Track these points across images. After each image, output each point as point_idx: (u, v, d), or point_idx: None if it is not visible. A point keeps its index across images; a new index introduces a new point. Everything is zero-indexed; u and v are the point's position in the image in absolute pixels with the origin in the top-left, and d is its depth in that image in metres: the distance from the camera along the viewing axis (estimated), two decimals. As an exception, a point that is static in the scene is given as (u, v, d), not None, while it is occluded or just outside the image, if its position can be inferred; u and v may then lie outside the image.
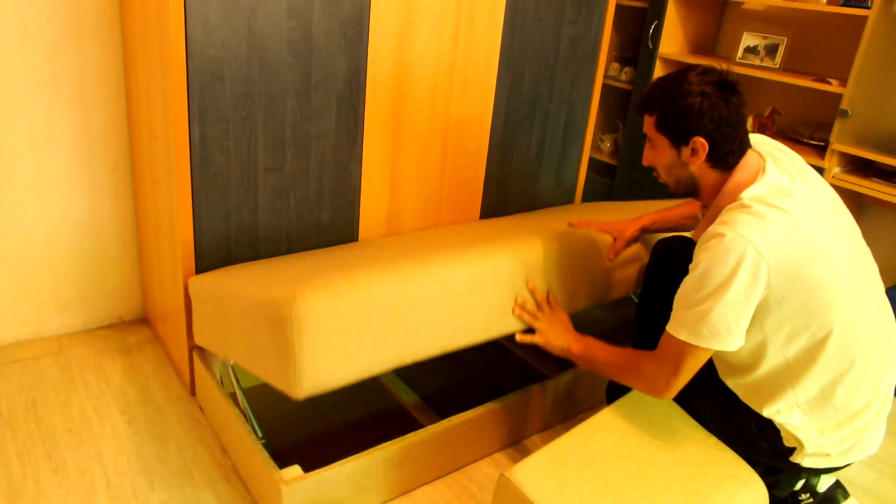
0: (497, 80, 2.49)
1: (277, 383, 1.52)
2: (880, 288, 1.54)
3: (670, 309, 1.48)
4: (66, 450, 1.88)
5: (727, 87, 1.45)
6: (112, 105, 2.24)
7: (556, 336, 1.82)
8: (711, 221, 1.45)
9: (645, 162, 1.58)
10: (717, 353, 1.59)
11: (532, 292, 1.89)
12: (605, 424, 1.60)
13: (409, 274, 1.58)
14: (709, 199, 1.55)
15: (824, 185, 1.54)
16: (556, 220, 2.29)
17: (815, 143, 2.84)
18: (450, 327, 1.67)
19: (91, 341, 2.38)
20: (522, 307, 1.85)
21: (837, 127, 2.59)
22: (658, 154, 1.53)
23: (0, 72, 2.03)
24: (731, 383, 1.58)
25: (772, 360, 1.46)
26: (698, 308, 1.39)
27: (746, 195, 1.42)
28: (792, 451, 1.51)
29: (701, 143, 1.45)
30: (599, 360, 1.68)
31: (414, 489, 1.86)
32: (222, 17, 1.79)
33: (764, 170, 1.46)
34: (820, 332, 1.40)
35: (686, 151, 1.48)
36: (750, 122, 3.03)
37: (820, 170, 2.65)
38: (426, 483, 1.88)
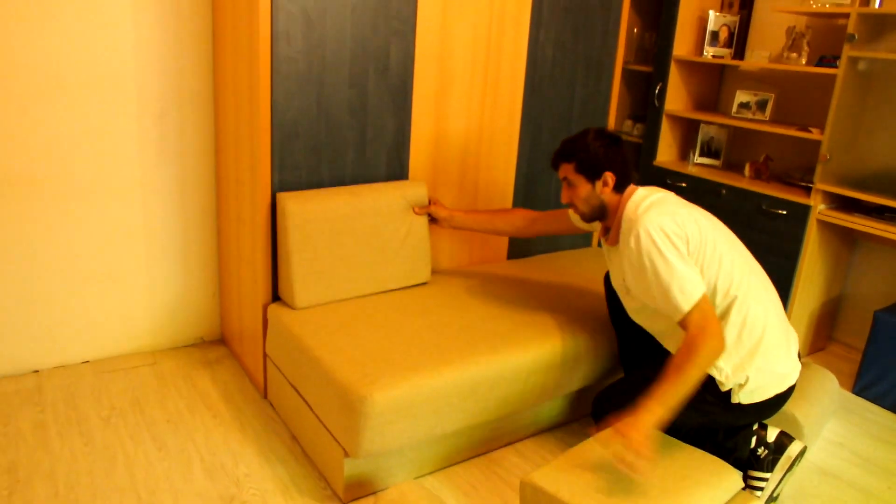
0: (520, 133, 2.95)
1: (342, 441, 1.99)
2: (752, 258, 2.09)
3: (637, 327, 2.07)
4: (166, 434, 2.30)
5: (615, 139, 2.09)
6: (204, 159, 2.76)
7: (633, 431, 1.72)
8: (619, 230, 2.03)
9: (564, 200, 2.16)
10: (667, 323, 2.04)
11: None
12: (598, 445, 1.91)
13: (448, 375, 2.07)
14: (611, 219, 2.11)
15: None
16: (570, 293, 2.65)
17: (805, 184, 3.21)
18: (476, 410, 2.15)
19: (178, 356, 2.84)
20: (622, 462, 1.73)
21: (819, 169, 2.97)
22: (576, 191, 2.11)
23: (121, 132, 2.56)
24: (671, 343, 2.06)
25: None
26: (675, 283, 1.87)
27: (640, 203, 2.00)
28: (728, 393, 1.95)
29: (611, 175, 2.06)
30: (673, 391, 1.77)
31: (448, 466, 2.25)
32: (298, 88, 2.29)
33: (636, 187, 2.09)
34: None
35: (599, 184, 2.07)
36: (747, 169, 3.42)
37: (807, 208, 3.01)
38: (458, 462, 2.26)
